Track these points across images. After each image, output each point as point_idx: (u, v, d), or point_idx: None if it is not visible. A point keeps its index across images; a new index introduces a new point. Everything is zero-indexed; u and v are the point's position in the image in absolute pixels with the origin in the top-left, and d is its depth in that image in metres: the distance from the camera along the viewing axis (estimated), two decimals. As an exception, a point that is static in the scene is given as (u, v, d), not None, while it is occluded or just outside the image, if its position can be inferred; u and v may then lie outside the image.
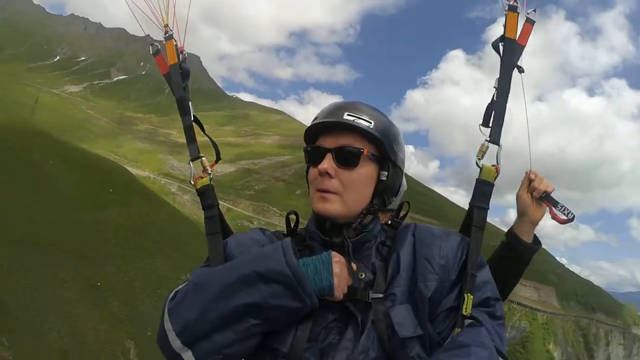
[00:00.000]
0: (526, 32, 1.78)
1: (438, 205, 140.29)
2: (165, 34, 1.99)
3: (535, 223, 1.98)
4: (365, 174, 1.49)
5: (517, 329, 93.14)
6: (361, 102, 1.56)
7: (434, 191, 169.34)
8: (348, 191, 1.46)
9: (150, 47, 1.99)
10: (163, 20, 2.01)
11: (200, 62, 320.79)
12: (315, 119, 1.56)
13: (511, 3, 1.78)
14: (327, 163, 1.46)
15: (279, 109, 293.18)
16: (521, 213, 1.99)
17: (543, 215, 1.98)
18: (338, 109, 1.52)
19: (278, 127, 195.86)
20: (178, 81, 1.91)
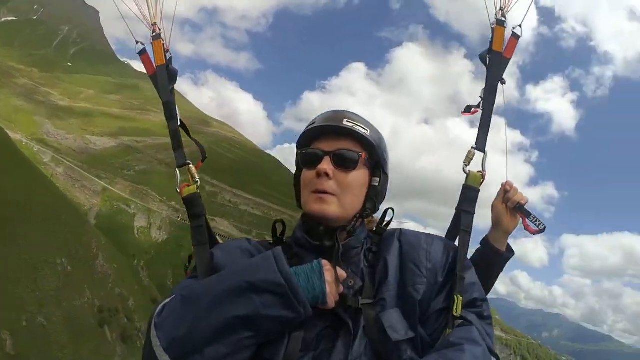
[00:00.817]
0: (512, 46, 1.86)
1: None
2: (152, 33, 1.91)
3: (508, 232, 2.06)
4: (360, 177, 1.55)
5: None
6: (354, 112, 1.63)
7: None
8: (345, 193, 1.51)
9: (136, 45, 1.93)
10: (151, 18, 1.94)
11: (99, 18, 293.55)
12: (312, 124, 1.60)
13: (499, 17, 1.85)
14: (325, 164, 1.50)
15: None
16: (496, 222, 2.06)
17: (516, 225, 2.06)
18: (336, 115, 1.58)
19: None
20: (165, 83, 1.85)
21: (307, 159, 1.57)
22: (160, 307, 1.37)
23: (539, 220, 1.99)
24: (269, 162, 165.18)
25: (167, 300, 1.39)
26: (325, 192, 1.49)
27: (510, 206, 2.02)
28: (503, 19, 1.84)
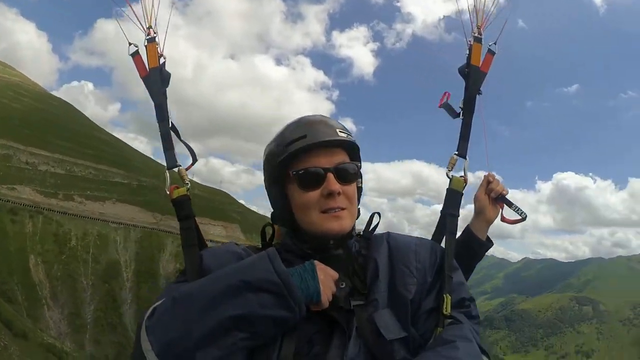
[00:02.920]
0: (488, 61, 1.97)
1: (121, 153, 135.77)
2: (147, 36, 1.90)
3: (490, 222, 2.15)
4: (355, 185, 1.60)
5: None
6: (327, 116, 1.65)
7: (115, 137, 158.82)
8: (352, 204, 1.55)
9: (129, 47, 1.90)
10: (146, 21, 1.93)
11: None
12: (302, 137, 1.52)
13: (476, 35, 1.96)
14: (335, 183, 1.49)
15: None
16: (478, 212, 2.15)
17: (498, 215, 2.16)
18: (328, 125, 1.56)
19: None
20: (157, 86, 1.85)
21: (309, 180, 1.51)
22: (150, 309, 1.35)
23: (521, 209, 2.08)
24: (60, 107, 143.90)
25: (158, 302, 1.36)
26: (339, 209, 1.51)
27: (494, 196, 2.13)
28: (480, 36, 1.97)
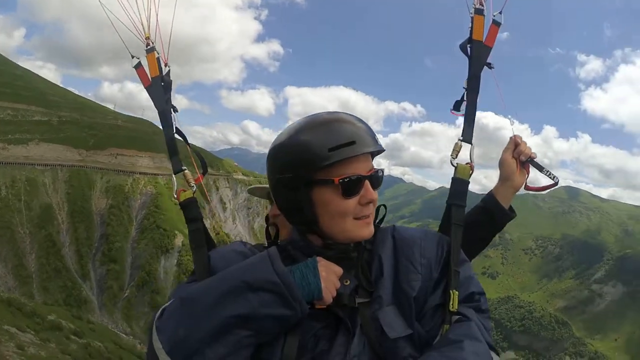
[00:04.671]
0: (493, 34, 1.79)
1: (36, 87, 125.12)
2: (146, 46, 1.93)
3: (517, 189, 1.98)
4: None
5: (145, 194, 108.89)
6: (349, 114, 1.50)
7: (27, 70, 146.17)
8: (374, 208, 1.52)
9: (132, 60, 1.94)
10: (144, 32, 1.95)
11: None
12: (351, 144, 1.38)
13: (477, 6, 1.79)
14: (372, 191, 1.46)
15: None
16: (505, 178, 1.97)
17: (525, 180, 1.98)
18: (368, 132, 1.45)
19: None
20: (160, 93, 1.89)
21: (353, 188, 1.42)
22: (160, 311, 1.38)
23: (552, 173, 1.93)
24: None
25: (167, 303, 1.40)
26: (369, 215, 1.48)
27: (523, 159, 1.96)
28: (482, 7, 1.80)
